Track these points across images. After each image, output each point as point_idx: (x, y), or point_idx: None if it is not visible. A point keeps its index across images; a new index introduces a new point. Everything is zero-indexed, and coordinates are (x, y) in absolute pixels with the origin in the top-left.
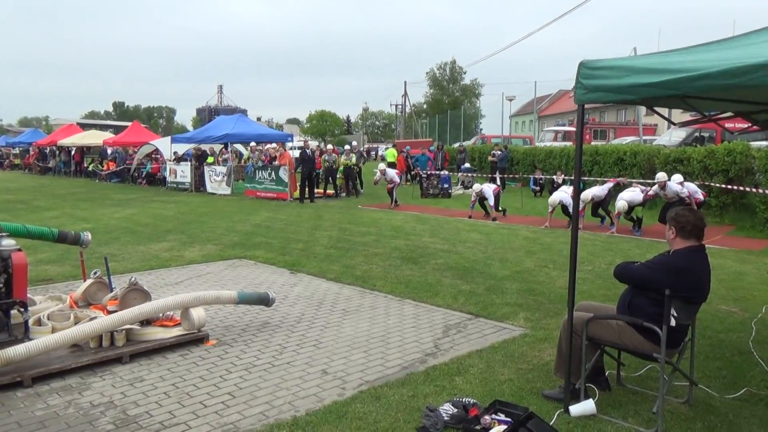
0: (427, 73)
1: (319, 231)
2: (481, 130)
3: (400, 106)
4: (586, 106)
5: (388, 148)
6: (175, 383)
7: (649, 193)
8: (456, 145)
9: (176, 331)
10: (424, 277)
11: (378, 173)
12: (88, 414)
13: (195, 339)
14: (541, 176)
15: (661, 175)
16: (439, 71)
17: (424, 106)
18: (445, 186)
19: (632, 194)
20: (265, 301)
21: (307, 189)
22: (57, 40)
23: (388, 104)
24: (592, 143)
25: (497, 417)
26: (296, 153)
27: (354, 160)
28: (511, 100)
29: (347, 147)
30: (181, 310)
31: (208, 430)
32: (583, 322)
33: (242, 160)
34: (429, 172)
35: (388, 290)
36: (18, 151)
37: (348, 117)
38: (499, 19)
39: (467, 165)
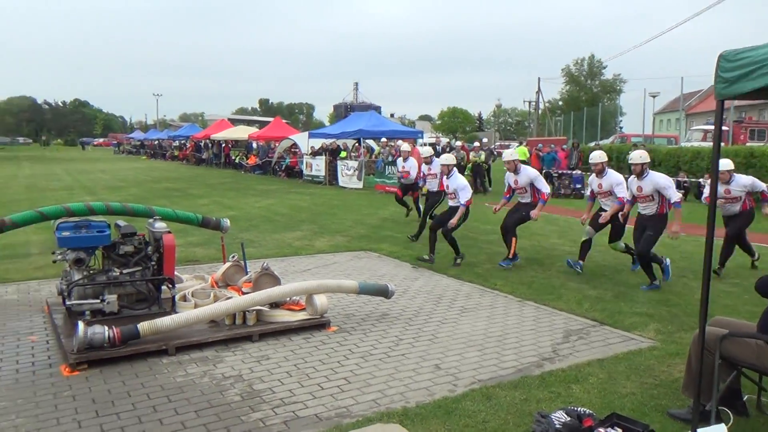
0: (563, 69)
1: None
2: (621, 128)
3: (534, 103)
4: (738, 102)
5: (518, 146)
6: (297, 364)
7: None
8: (592, 144)
9: (301, 316)
10: (548, 279)
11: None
12: (219, 384)
13: (318, 324)
14: (686, 179)
15: (726, 162)
16: (576, 66)
17: (560, 102)
18: (578, 186)
19: None
20: (384, 292)
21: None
22: (212, 45)
23: (521, 101)
24: (747, 144)
25: (613, 431)
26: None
27: (483, 157)
28: (654, 97)
29: (476, 144)
30: (306, 296)
31: (323, 411)
32: (716, 339)
33: (373, 155)
34: (560, 172)
35: (508, 290)
36: (177, 144)
37: (480, 114)
38: (647, 8)
39: None
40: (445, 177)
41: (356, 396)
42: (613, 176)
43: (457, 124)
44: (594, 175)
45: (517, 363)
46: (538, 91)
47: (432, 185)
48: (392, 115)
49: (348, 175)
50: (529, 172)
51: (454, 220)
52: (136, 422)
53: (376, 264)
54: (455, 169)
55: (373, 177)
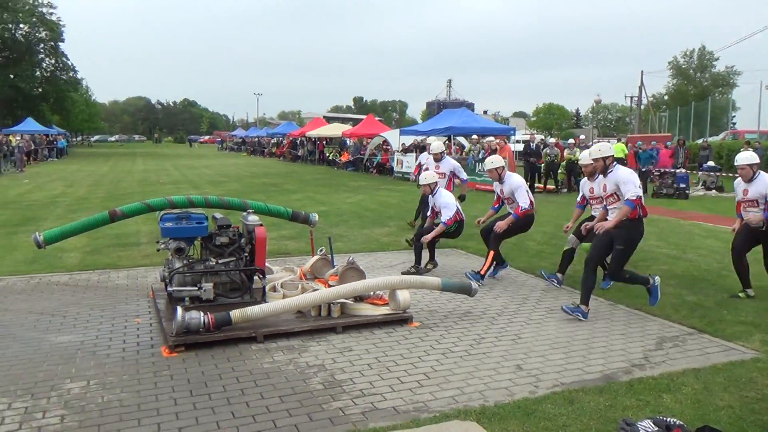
0: (669, 62)
1: (534, 226)
2: (733, 124)
3: (636, 98)
4: None
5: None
6: (378, 357)
7: None
8: (699, 141)
9: (384, 310)
10: None
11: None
12: (303, 372)
13: (400, 319)
14: None
15: (746, 156)
16: (685, 59)
17: (665, 97)
18: (682, 186)
19: None
20: (467, 290)
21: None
22: (310, 44)
23: (622, 96)
24: None
25: None
26: (520, 146)
27: (578, 154)
28: None
29: (571, 141)
30: (389, 291)
31: (401, 404)
32: None
33: (464, 153)
34: (662, 170)
35: (600, 293)
36: (275, 141)
37: (577, 110)
38: None
39: (711, 163)
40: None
41: (435, 392)
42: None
43: (552, 120)
44: (586, 178)
45: (604, 368)
46: (641, 86)
47: (439, 184)
48: (485, 112)
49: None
50: (512, 181)
51: (429, 236)
52: (225, 403)
53: (463, 261)
54: (439, 188)
55: None
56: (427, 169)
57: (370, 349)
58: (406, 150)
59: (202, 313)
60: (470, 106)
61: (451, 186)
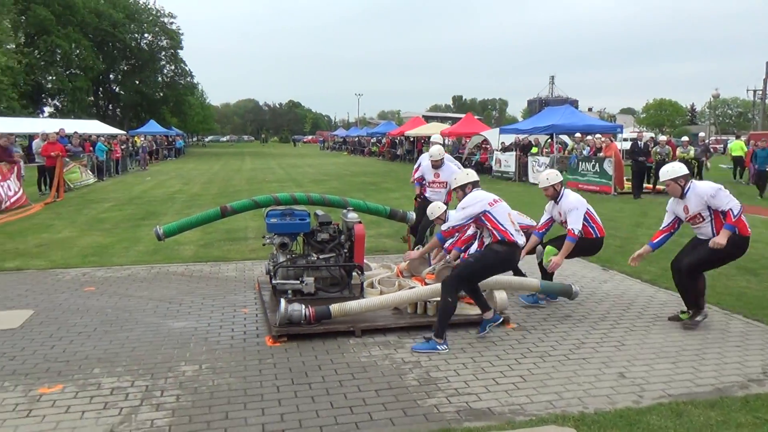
0: None
1: (641, 228)
2: None
3: (760, 92)
4: None
5: (735, 140)
6: (473, 357)
7: None
8: None
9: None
10: (763, 292)
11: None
12: (399, 368)
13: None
14: None
15: (669, 170)
16: None
17: None
18: None
19: None
20: (567, 293)
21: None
22: (410, 44)
23: (744, 90)
24: None
25: None
26: (627, 145)
27: (692, 153)
28: None
29: (684, 138)
30: (486, 291)
31: (496, 405)
32: None
33: (566, 151)
34: None
35: (714, 300)
36: (375, 140)
37: (692, 105)
38: None
39: None
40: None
41: (531, 395)
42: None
43: (664, 117)
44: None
45: (717, 381)
46: (766, 78)
47: (437, 196)
48: (590, 110)
49: (539, 171)
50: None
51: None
52: (324, 393)
53: (564, 263)
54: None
55: (565, 174)
56: (441, 184)
57: (466, 348)
58: (505, 149)
59: (303, 306)
60: (574, 104)
61: (451, 196)
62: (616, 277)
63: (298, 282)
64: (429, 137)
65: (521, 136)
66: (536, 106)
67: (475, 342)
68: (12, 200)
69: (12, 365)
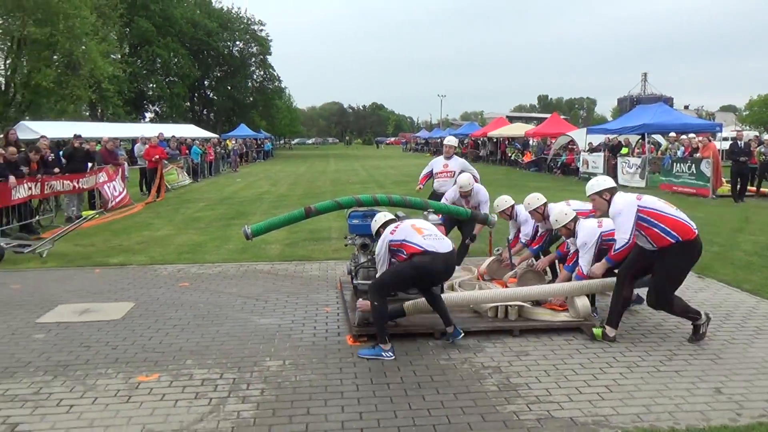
0: None
1: (742, 234)
2: None
3: None
4: None
5: None
6: (556, 364)
7: None
8: None
9: (563, 316)
10: None
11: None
12: (478, 372)
13: (581, 327)
14: None
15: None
16: None
17: None
18: None
19: None
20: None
21: (738, 186)
22: (492, 44)
23: None
24: None
25: None
26: (727, 144)
27: None
28: None
29: None
30: (568, 298)
31: (579, 415)
32: None
33: (660, 152)
34: None
35: None
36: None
37: None
38: None
39: None
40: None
41: (617, 406)
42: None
43: None
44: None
45: None
46: None
47: (447, 185)
48: (686, 107)
49: (629, 173)
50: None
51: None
52: (402, 394)
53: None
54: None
55: (658, 175)
56: (449, 174)
57: (548, 355)
58: (593, 150)
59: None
60: (668, 101)
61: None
62: (713, 286)
63: None
64: (512, 138)
65: (610, 137)
66: (627, 104)
67: (558, 349)
68: (117, 200)
69: (114, 354)
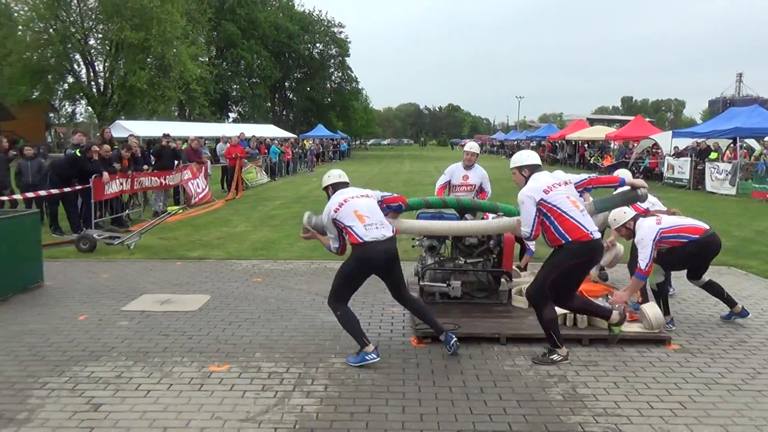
0: None
1: None
2: None
3: None
4: None
5: None
6: (627, 377)
7: None
8: None
9: (636, 327)
10: None
11: None
12: (543, 380)
13: (656, 339)
14: None
15: None
16: None
17: None
18: None
19: None
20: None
21: None
22: (573, 44)
23: None
24: None
25: None
26: None
27: None
28: None
29: None
30: (640, 310)
31: (650, 431)
32: None
33: (753, 157)
34: None
35: None
36: (534, 144)
37: None
38: None
39: None
40: None
41: (692, 425)
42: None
43: None
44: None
45: None
46: None
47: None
48: None
49: (718, 179)
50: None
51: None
52: (464, 398)
53: (740, 282)
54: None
55: (750, 182)
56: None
57: (618, 366)
58: (679, 154)
59: (327, 218)
60: (765, 104)
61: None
62: None
63: (445, 285)
64: (592, 141)
65: (698, 140)
66: (719, 106)
67: (630, 361)
68: (200, 196)
69: (190, 343)
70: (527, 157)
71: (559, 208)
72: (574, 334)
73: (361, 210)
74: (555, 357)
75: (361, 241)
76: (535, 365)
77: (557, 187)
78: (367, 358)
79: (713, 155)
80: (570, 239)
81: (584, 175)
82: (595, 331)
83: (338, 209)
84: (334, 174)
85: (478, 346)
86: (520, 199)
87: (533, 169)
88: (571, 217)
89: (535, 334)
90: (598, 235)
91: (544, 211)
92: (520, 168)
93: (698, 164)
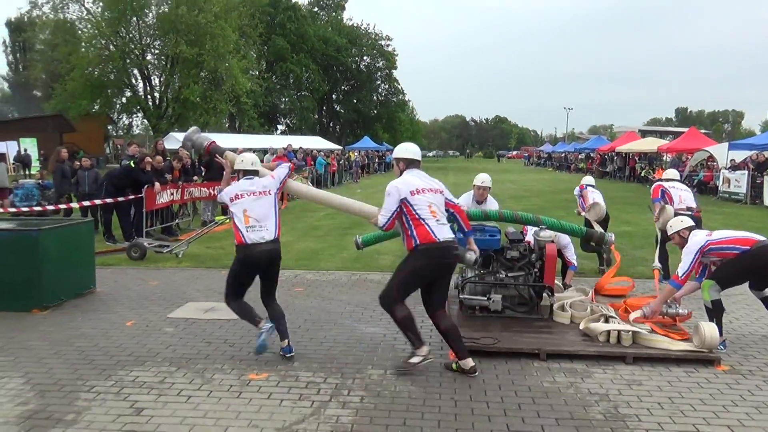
0: None
1: None
2: None
3: None
4: None
5: None
6: (672, 398)
7: None
8: None
9: (683, 346)
10: None
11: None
12: (584, 399)
13: (704, 359)
14: None
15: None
16: None
17: None
18: None
19: None
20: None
21: None
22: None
23: None
24: None
25: None
26: None
27: None
28: None
29: None
30: (693, 326)
31: None
32: None
33: None
34: None
35: None
36: (583, 156)
37: None
38: None
39: None
40: None
41: None
42: None
43: None
44: None
45: None
46: None
47: None
48: None
49: None
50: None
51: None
52: (501, 414)
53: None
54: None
55: None
56: None
57: (663, 386)
58: (735, 167)
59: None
60: None
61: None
62: None
63: (485, 298)
64: (644, 153)
65: (757, 152)
66: None
67: (676, 381)
68: None
69: (231, 351)
70: (405, 150)
71: (417, 214)
72: (618, 351)
73: (249, 210)
74: (414, 360)
75: (243, 242)
76: (398, 373)
77: (424, 193)
78: (262, 334)
79: None
80: (419, 242)
81: (456, 200)
82: (639, 350)
83: (234, 200)
84: (246, 159)
85: (518, 362)
86: (388, 190)
87: (409, 163)
88: (427, 225)
89: (576, 351)
90: (448, 240)
91: (405, 211)
92: (397, 160)
93: (756, 177)
